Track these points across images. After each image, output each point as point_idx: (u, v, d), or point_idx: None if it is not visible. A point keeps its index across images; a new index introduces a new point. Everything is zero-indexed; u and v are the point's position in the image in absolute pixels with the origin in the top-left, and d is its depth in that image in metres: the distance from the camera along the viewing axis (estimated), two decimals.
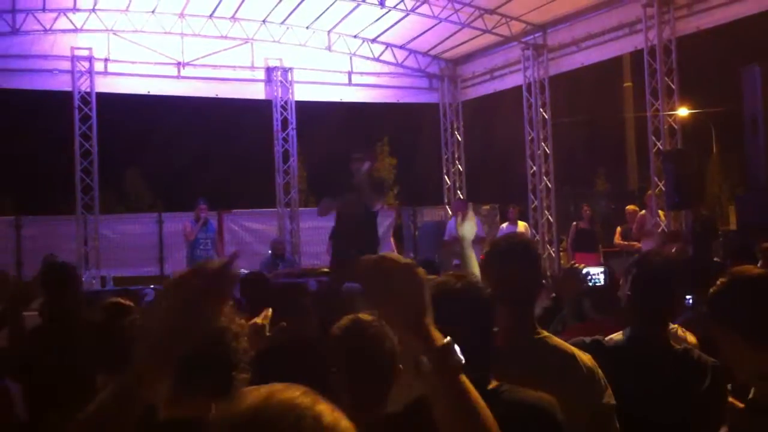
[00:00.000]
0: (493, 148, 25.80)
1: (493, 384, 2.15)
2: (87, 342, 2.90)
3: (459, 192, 17.68)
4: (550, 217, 15.38)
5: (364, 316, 2.62)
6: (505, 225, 14.62)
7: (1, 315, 5.85)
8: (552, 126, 15.47)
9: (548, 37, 14.99)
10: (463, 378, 1.51)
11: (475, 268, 3.57)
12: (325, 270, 10.08)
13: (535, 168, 15.47)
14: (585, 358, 2.54)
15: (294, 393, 1.13)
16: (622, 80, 24.70)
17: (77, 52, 14.43)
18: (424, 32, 15.66)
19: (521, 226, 14.35)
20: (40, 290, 4.58)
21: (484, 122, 21.21)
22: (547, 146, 15.35)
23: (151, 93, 15.57)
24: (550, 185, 15.36)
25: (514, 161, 16.96)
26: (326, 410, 1.12)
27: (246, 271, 6.28)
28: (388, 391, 2.45)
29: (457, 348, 1.51)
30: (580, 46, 14.52)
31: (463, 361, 1.50)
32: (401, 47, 16.64)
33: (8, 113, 26.03)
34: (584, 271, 3.89)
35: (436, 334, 1.52)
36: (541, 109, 15.33)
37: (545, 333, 2.65)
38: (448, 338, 1.51)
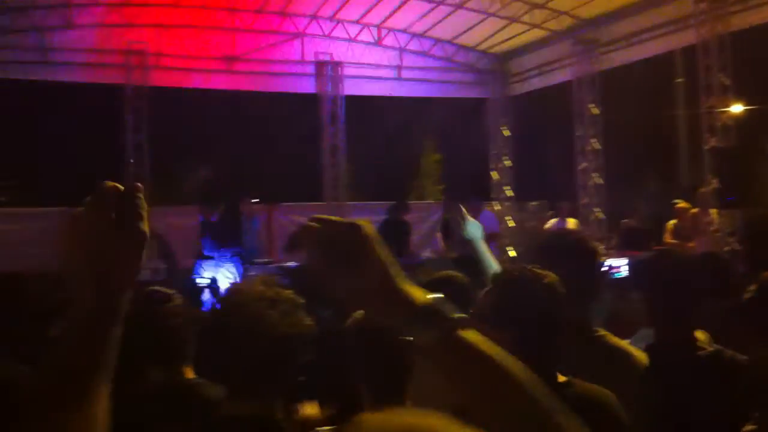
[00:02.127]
0: (542, 143, 25.53)
1: (561, 379, 2.13)
2: (129, 331, 2.87)
3: (506, 188, 17.57)
4: (599, 214, 15.19)
5: None
6: (554, 221, 14.47)
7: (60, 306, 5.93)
8: (602, 122, 15.28)
9: (599, 32, 14.78)
10: (469, 333, 1.15)
11: (495, 265, 3.42)
12: None
13: (585, 164, 15.30)
14: (642, 357, 2.51)
15: (437, 422, 0.94)
16: (673, 76, 24.25)
17: (130, 46, 14.68)
18: (473, 27, 15.58)
19: (571, 222, 14.19)
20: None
21: (534, 117, 21.00)
22: (597, 142, 15.16)
23: (201, 87, 15.76)
24: (600, 182, 15.17)
25: (564, 157, 16.76)
26: None
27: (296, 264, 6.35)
28: (405, 385, 2.42)
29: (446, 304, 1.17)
30: (631, 42, 14.30)
31: (462, 315, 1.16)
32: (450, 42, 16.58)
33: (63, 107, 26.50)
34: (606, 263, 3.65)
35: (417, 294, 1.18)
36: (591, 105, 15.15)
37: (603, 331, 2.62)
38: (436, 294, 1.18)
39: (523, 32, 15.52)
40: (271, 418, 1.91)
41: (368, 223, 1.22)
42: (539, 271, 2.21)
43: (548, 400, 1.12)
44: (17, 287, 4.51)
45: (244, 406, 1.93)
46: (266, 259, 13.06)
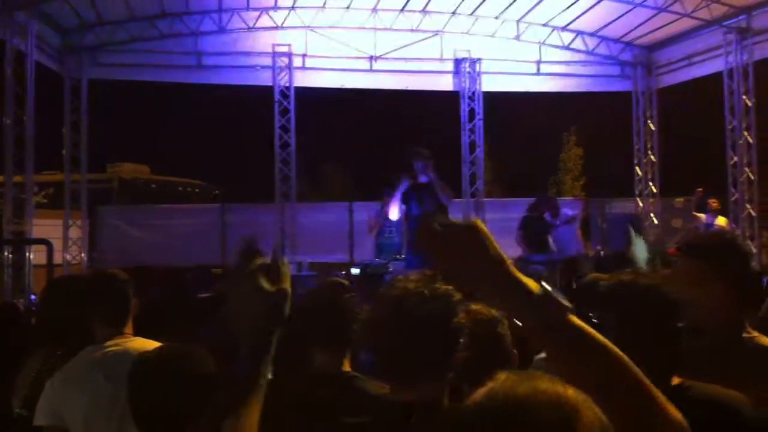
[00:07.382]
0: (689, 137, 24.57)
1: (675, 381, 2.13)
2: (306, 319, 2.94)
3: (651, 183, 17.05)
4: (752, 210, 14.49)
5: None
6: (704, 216, 13.83)
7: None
8: (756, 114, 14.54)
9: (753, 20, 14.08)
10: (575, 318, 1.31)
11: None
12: None
13: (736, 158, 14.63)
14: None
15: (558, 388, 1.00)
16: None
17: (277, 49, 15.26)
18: (618, 18, 15.21)
19: (721, 221, 13.58)
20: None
21: (681, 110, 20.23)
22: (749, 136, 14.46)
23: (345, 86, 16.14)
24: (752, 177, 14.47)
25: (711, 151, 16.06)
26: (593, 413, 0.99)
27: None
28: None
29: (557, 294, 1.31)
30: None
31: (569, 304, 1.31)
32: (592, 34, 16.26)
33: (215, 107, 27.82)
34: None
35: (531, 283, 1.32)
36: (744, 97, 14.45)
37: (755, 333, 2.58)
38: (543, 285, 1.33)
39: (671, 22, 14.99)
40: (438, 404, 1.96)
41: (480, 222, 1.38)
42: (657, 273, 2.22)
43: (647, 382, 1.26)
44: (180, 279, 4.89)
45: (409, 393, 1.96)
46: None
